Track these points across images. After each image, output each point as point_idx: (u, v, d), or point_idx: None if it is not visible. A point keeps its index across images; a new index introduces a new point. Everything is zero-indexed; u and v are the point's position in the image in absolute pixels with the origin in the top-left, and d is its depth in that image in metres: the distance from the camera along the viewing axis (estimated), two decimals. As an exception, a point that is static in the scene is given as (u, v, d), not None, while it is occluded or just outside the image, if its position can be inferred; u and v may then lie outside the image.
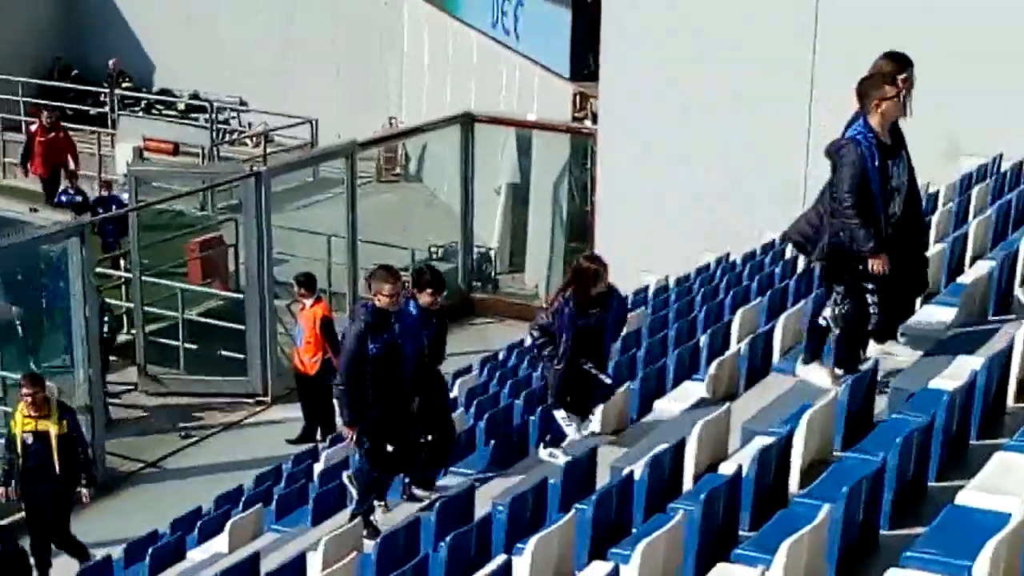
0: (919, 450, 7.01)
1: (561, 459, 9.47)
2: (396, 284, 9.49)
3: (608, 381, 9.89)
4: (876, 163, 8.22)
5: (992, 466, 6.65)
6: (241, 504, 12.50)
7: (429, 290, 9.97)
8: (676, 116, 18.39)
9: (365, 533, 9.50)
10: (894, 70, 8.45)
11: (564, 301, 9.59)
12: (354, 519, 9.71)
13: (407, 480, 10.37)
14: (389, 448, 9.73)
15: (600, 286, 9.55)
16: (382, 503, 10.08)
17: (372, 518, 9.86)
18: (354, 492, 10.14)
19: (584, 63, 20.71)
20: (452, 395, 13.77)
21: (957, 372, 7.95)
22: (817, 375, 8.81)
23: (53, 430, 12.95)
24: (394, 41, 27.28)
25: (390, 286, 9.45)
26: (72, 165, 23.24)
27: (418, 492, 10.36)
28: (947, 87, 16.50)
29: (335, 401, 10.16)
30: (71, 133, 24.47)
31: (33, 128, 23.54)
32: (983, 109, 15.99)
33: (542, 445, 10.09)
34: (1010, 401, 7.99)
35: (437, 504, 8.83)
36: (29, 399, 12.88)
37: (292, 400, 16.95)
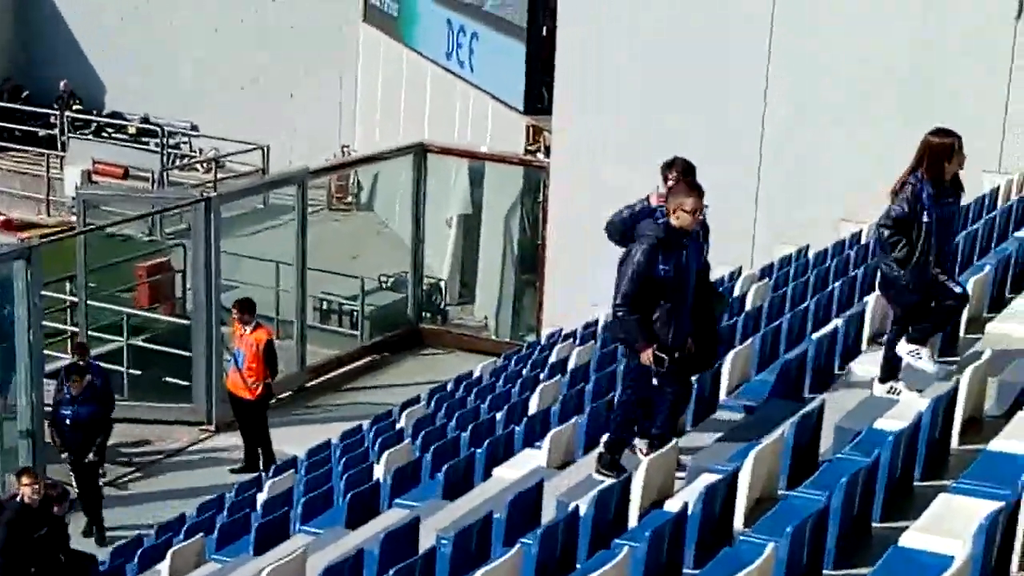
0: (864, 490, 7.03)
1: (904, 396, 8.52)
2: (699, 200, 8.35)
3: (958, 290, 8.59)
4: None
5: (936, 507, 6.68)
6: (183, 532, 12.37)
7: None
8: (628, 151, 18.45)
9: (613, 473, 8.60)
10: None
11: (916, 184, 8.27)
12: (612, 448, 8.86)
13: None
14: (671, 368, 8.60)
15: (956, 164, 8.30)
16: (640, 445, 8.98)
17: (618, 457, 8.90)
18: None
19: (538, 96, 20.80)
20: (400, 425, 13.75)
21: (902, 412, 7.98)
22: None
23: None
24: (348, 70, 27.27)
25: (693, 200, 8.32)
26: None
27: None
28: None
29: (614, 326, 9.02)
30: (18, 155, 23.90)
31: None
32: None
33: (876, 380, 8.95)
34: (954, 443, 8.04)
35: (381, 536, 8.73)
36: None
37: (237, 428, 16.82)
